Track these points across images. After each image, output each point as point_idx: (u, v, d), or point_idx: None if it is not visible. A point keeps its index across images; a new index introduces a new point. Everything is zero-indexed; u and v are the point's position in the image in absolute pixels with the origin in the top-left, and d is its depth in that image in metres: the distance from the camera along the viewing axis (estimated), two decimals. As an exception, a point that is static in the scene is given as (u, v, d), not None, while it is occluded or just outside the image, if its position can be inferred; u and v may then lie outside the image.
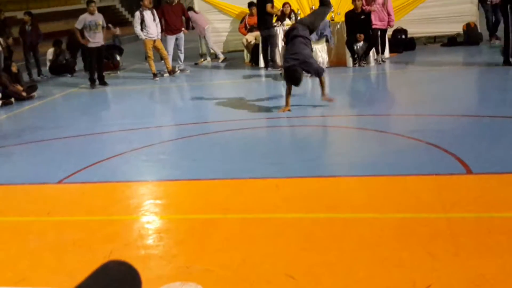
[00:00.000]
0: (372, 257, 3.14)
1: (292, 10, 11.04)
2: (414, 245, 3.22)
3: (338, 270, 3.05)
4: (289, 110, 6.84)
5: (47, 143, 6.59)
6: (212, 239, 3.57)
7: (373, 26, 10.00)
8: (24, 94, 9.58)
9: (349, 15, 10.00)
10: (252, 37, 11.30)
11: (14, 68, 9.86)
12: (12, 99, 9.29)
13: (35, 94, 9.85)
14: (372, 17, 9.99)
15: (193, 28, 12.26)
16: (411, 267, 2.98)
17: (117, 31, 15.26)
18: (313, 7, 11.30)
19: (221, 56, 12.39)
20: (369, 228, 3.54)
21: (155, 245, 3.57)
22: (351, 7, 9.99)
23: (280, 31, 10.54)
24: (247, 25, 11.64)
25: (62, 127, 7.39)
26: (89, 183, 4.97)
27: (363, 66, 10.05)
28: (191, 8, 12.24)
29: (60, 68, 12.76)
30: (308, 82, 9.32)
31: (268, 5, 10.48)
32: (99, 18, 10.39)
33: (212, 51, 12.55)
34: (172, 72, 11.06)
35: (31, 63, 12.52)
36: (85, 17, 10.26)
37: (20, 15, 23.63)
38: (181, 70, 11.45)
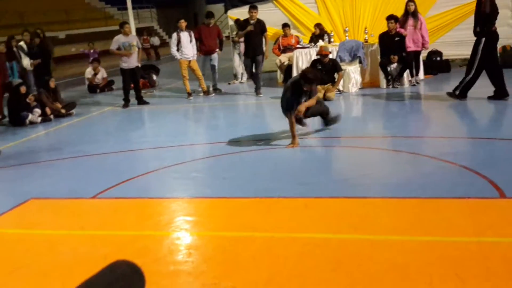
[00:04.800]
0: (400, 279, 3.11)
1: (325, 32, 11.10)
2: (444, 269, 3.17)
3: (366, 292, 3.03)
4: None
5: (83, 159, 6.77)
6: (240, 257, 3.60)
7: (407, 49, 9.96)
8: (63, 111, 9.89)
9: (383, 37, 10.00)
10: (286, 58, 11.41)
11: (52, 83, 10.17)
12: (51, 116, 9.59)
13: (73, 111, 10.15)
14: (406, 39, 9.96)
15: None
16: (441, 290, 2.93)
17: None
18: (347, 28, 11.37)
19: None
20: (398, 250, 3.50)
21: (184, 261, 3.62)
22: (385, 28, 9.99)
23: (307, 53, 10.63)
24: (281, 46, 11.76)
25: (98, 144, 7.59)
26: (122, 198, 5.08)
27: (397, 87, 10.00)
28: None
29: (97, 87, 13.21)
30: (341, 101, 9.34)
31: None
32: (133, 40, 10.63)
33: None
34: (206, 92, 11.23)
35: None
36: (119, 38, 10.53)
37: (62, 35, 24.55)
38: (215, 90, 11.62)
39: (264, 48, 10.62)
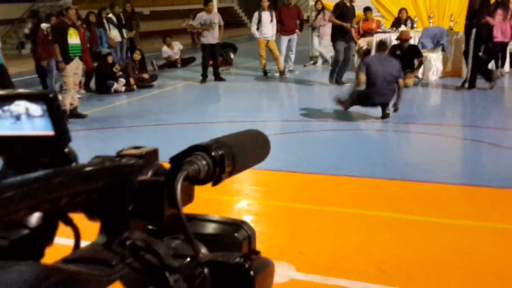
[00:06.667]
0: (467, 262, 3.10)
1: (408, 17, 10.84)
2: (514, 256, 3.13)
3: (432, 270, 3.05)
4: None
5: (163, 127, 7.10)
6: (307, 227, 3.71)
7: (494, 39, 9.54)
8: (145, 76, 10.38)
9: (469, 25, 9.62)
10: (365, 42, 11.24)
11: (136, 55, 10.63)
12: (135, 86, 10.06)
13: (155, 83, 10.58)
14: (494, 29, 9.52)
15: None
16: (508, 275, 2.91)
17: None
18: (432, 14, 11.04)
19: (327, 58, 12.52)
20: (467, 235, 3.48)
21: (252, 226, 3.77)
22: (472, 16, 9.60)
23: (387, 38, 10.39)
24: (361, 30, 11.59)
25: (177, 114, 7.91)
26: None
27: (480, 78, 9.61)
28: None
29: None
30: (419, 88, 9.14)
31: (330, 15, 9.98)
32: (215, 17, 10.89)
33: (317, 54, 12.74)
34: (282, 72, 11.31)
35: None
36: (201, 15, 10.84)
37: (146, 11, 25.41)
38: (291, 71, 11.68)
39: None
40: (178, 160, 0.63)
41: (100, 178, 0.60)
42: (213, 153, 0.63)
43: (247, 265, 0.65)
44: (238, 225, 0.74)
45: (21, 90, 0.63)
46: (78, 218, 0.63)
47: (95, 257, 0.58)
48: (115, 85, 9.75)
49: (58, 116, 0.62)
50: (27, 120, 0.62)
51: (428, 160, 5.25)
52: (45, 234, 0.62)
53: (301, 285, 2.93)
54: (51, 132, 0.62)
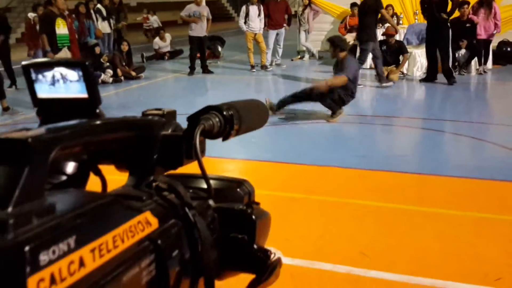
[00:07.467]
0: (448, 247, 3.24)
1: (394, 13, 11.00)
2: (492, 243, 3.26)
3: (413, 255, 3.18)
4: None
5: (150, 118, 7.16)
6: (294, 215, 3.82)
7: (478, 37, 9.75)
8: (133, 73, 10.36)
9: (454, 22, 9.79)
10: (351, 37, 11.36)
11: (124, 47, 10.62)
12: (122, 77, 10.08)
13: (142, 75, 10.61)
14: (478, 27, 9.74)
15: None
16: (485, 260, 3.05)
17: None
18: (417, 11, 11.20)
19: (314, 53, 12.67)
20: (449, 223, 3.61)
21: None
22: (457, 14, 9.78)
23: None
24: (347, 26, 11.73)
25: (165, 105, 7.82)
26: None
27: (463, 74, 9.82)
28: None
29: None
30: (403, 84, 9.30)
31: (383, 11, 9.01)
32: (204, 10, 10.96)
33: (304, 48, 12.87)
34: (265, 66, 11.36)
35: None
36: (190, 7, 10.91)
37: (133, 3, 25.26)
38: (278, 65, 11.78)
39: None
40: (195, 118, 0.73)
41: (133, 128, 0.70)
42: (224, 113, 0.73)
43: (249, 211, 0.76)
44: (240, 182, 0.85)
45: (60, 58, 0.72)
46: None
47: (128, 194, 0.68)
48: (103, 76, 9.76)
49: (92, 81, 0.72)
50: (64, 84, 0.72)
51: (410, 152, 5.40)
52: (79, 181, 0.72)
53: (288, 269, 3.04)
54: (85, 95, 0.72)
